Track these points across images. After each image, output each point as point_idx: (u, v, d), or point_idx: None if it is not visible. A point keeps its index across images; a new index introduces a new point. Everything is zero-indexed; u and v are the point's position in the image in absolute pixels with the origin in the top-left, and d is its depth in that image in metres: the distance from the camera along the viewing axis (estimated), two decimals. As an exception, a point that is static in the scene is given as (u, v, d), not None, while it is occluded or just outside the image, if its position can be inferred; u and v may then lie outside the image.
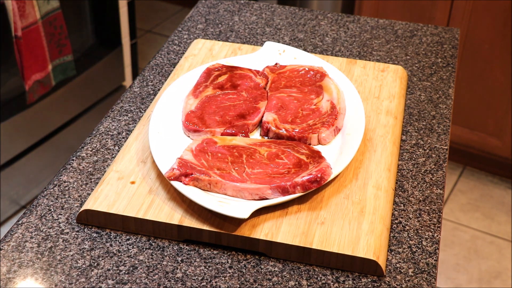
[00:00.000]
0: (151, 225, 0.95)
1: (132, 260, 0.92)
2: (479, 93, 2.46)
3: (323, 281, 0.90)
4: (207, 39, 1.40)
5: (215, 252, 0.94)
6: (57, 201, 1.01)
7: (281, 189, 0.95)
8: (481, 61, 2.40)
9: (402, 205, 1.02)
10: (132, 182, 1.00)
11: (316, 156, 1.01)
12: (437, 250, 0.95)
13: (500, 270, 2.31)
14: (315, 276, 0.91)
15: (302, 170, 0.99)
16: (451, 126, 2.22)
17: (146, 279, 0.89)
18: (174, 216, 0.95)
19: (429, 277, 0.92)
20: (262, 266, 0.92)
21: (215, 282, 0.89)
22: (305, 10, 1.53)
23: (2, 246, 0.94)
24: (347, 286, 0.90)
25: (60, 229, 0.96)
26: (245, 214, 0.91)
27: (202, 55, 1.30)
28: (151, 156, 1.04)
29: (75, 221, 0.98)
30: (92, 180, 1.04)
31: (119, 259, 0.92)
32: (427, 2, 2.40)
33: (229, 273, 0.91)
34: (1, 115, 2.18)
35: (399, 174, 1.08)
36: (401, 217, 1.00)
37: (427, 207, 1.02)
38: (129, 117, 1.18)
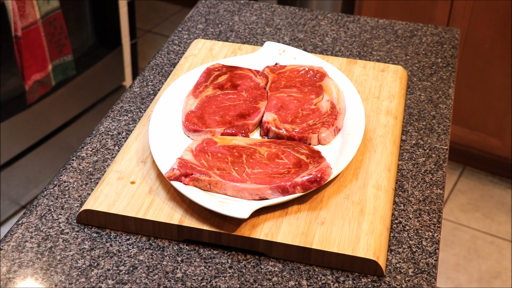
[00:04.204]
0: (151, 225, 0.95)
1: (132, 260, 0.92)
2: (479, 93, 2.46)
3: (323, 281, 0.90)
4: (207, 39, 1.40)
5: (215, 252, 0.94)
6: (57, 201, 1.01)
7: (281, 189, 0.95)
8: (481, 61, 2.40)
9: (402, 205, 1.02)
10: (132, 182, 1.00)
11: (316, 156, 1.01)
12: (437, 250, 0.95)
13: (500, 270, 2.31)
14: (315, 276, 0.91)
15: (302, 170, 0.99)
16: (451, 126, 2.22)
17: (146, 279, 0.89)
18: (174, 216, 0.95)
19: (429, 277, 0.92)
20: (262, 266, 0.92)
21: (215, 282, 0.89)
22: (305, 10, 1.53)
23: (2, 246, 0.94)
24: (347, 286, 0.90)
25: (60, 229, 0.96)
26: (245, 214, 0.91)
27: (202, 55, 1.30)
28: (151, 156, 1.04)
29: (75, 221, 0.98)
30: (92, 180, 1.04)
31: (119, 259, 0.92)
32: (427, 2, 2.40)
33: (229, 273, 0.91)
34: (1, 115, 2.18)
35: (399, 174, 1.08)
36: (401, 217, 1.00)
37: (427, 207, 1.02)
38: (129, 117, 1.18)
